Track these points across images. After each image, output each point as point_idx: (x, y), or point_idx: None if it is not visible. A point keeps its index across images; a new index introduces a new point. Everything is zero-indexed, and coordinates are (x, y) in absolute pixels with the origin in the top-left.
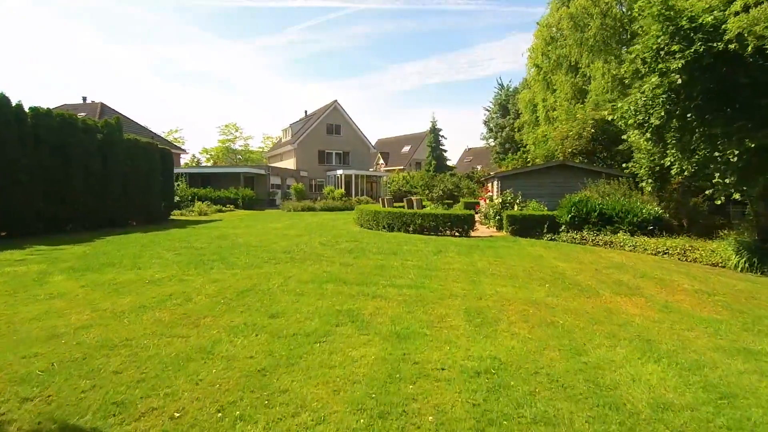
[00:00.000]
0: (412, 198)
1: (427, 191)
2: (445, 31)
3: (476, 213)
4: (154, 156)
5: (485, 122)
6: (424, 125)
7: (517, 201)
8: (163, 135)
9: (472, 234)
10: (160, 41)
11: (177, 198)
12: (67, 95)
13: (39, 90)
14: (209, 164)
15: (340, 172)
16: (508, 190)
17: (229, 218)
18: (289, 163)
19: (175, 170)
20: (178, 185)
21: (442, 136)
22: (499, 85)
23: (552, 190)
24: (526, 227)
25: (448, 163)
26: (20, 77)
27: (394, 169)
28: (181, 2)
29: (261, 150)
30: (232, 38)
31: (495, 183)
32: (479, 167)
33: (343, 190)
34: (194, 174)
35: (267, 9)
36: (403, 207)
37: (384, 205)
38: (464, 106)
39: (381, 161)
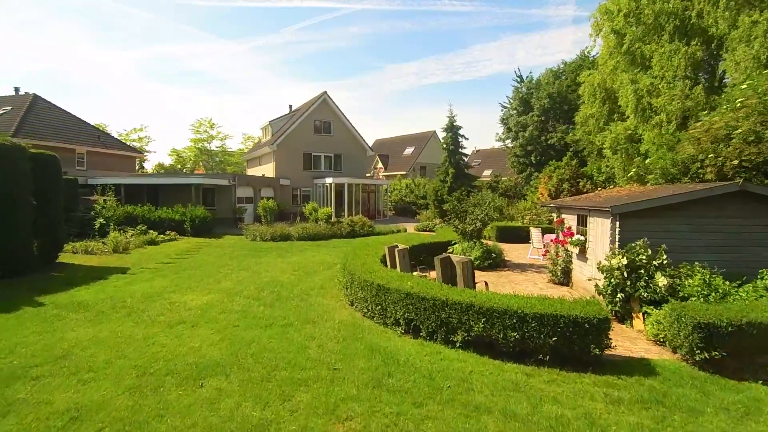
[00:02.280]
0: (455, 258)
1: (455, 220)
2: (442, 32)
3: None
4: (16, 168)
5: (503, 119)
6: (423, 126)
7: (657, 263)
8: (122, 134)
9: (606, 353)
10: (156, 40)
11: (101, 221)
12: (63, 95)
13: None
14: (189, 170)
15: (329, 180)
16: (639, 242)
17: (144, 264)
18: (268, 169)
19: (109, 180)
20: (107, 201)
21: (462, 136)
22: (518, 77)
23: (723, 241)
24: (738, 350)
25: (461, 167)
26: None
27: (395, 175)
28: (178, 2)
29: (242, 152)
30: (228, 38)
31: (601, 222)
32: (489, 171)
33: (330, 208)
34: (135, 186)
35: (263, 9)
36: (426, 233)
37: (394, 263)
38: (462, 107)
39: (379, 165)
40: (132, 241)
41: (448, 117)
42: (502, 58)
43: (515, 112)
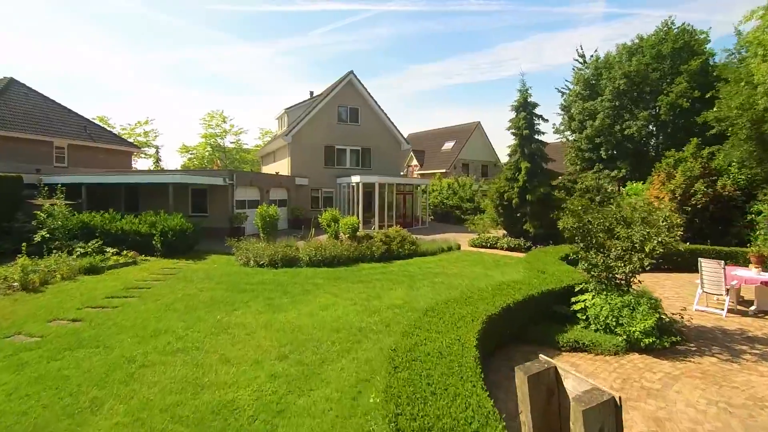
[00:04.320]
0: None
1: (588, 249)
2: (467, 31)
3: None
4: None
5: (564, 107)
6: (448, 123)
7: None
8: (126, 128)
9: None
10: (183, 44)
11: (43, 234)
12: (71, 99)
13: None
14: (189, 169)
15: (356, 179)
16: None
17: (31, 323)
18: (283, 166)
19: (62, 179)
20: (55, 207)
21: (540, 117)
22: (580, 56)
23: None
24: None
25: (537, 161)
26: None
27: (433, 173)
28: (206, 6)
29: (259, 147)
30: (255, 41)
31: None
32: None
33: (356, 218)
34: (107, 186)
35: (291, 13)
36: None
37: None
38: (489, 107)
39: (414, 162)
40: (61, 267)
41: (520, 91)
42: (528, 57)
43: (577, 98)
